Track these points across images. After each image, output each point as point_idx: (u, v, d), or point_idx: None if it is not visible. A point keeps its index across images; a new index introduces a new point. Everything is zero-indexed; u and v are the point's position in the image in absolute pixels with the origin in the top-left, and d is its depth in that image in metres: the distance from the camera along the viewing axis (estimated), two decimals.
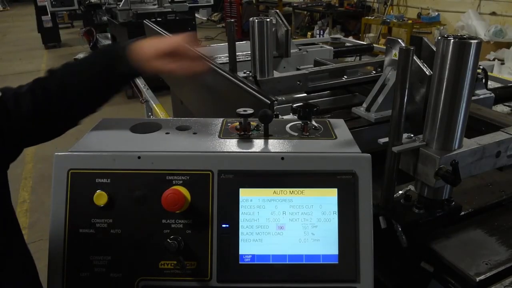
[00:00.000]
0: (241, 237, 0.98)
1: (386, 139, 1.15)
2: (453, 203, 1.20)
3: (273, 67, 2.14)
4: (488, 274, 1.05)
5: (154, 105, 3.11)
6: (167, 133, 1.15)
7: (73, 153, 1.01)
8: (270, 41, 2.00)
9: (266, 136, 1.12)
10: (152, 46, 1.11)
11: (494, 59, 6.34)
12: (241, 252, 0.98)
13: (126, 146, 1.05)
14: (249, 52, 2.16)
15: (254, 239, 0.98)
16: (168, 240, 0.95)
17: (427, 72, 1.49)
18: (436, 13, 7.91)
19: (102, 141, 1.09)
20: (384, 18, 8.30)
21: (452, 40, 1.01)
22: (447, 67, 1.03)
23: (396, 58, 1.63)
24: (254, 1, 12.25)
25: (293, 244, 0.99)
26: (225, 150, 1.05)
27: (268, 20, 1.96)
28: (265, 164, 1.00)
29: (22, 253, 1.14)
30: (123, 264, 0.98)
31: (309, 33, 10.38)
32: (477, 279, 1.04)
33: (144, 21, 3.68)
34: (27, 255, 1.16)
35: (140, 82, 3.29)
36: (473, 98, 1.69)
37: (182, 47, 1.12)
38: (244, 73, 2.22)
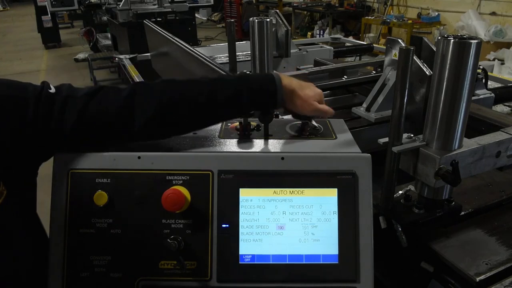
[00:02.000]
0: (241, 237, 0.98)
1: (386, 139, 1.15)
2: (453, 203, 1.20)
3: (273, 67, 2.14)
4: (488, 274, 1.05)
5: None
6: None
7: (73, 153, 1.01)
8: (270, 41, 1.99)
9: (266, 136, 1.12)
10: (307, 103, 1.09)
11: (494, 59, 6.33)
12: (241, 252, 0.98)
13: (126, 146, 1.05)
14: (249, 52, 2.15)
15: (254, 239, 0.98)
16: (168, 240, 0.95)
17: (427, 72, 1.49)
18: (436, 13, 7.90)
19: None
20: (384, 18, 8.29)
21: (452, 40, 1.01)
22: (447, 67, 1.03)
23: (396, 58, 1.63)
24: (254, 1, 12.24)
25: (293, 244, 0.99)
26: (225, 150, 1.05)
27: (268, 20, 1.96)
28: (265, 164, 1.00)
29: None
30: (123, 264, 0.98)
31: (309, 33, 10.37)
32: (477, 279, 1.04)
33: (144, 21, 3.69)
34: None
35: (139, 81, 3.28)
36: (473, 98, 1.69)
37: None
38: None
